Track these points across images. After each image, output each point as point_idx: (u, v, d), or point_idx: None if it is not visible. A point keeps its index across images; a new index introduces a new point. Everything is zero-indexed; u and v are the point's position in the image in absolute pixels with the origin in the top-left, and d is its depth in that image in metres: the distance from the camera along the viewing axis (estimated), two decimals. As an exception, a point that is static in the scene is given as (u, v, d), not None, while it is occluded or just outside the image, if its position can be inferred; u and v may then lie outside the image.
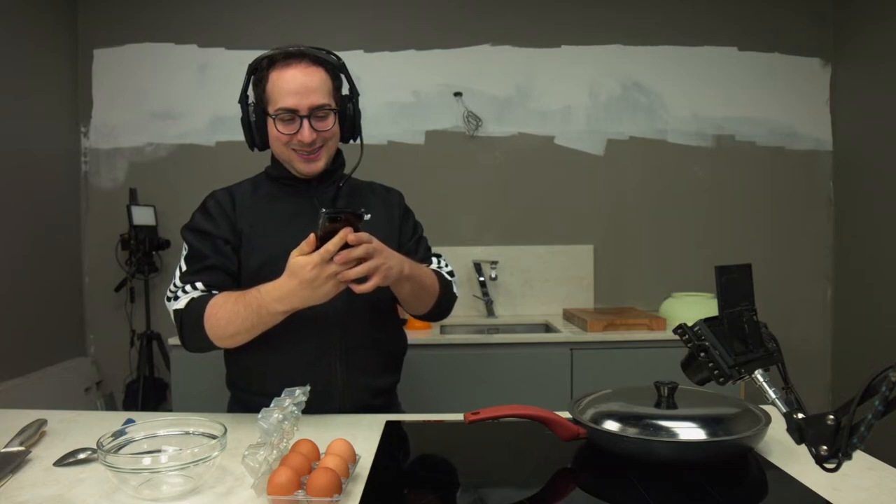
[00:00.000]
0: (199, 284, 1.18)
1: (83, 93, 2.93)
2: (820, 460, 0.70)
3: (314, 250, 1.00)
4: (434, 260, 1.41)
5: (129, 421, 0.98)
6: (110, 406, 2.92)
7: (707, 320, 0.87)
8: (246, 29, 2.89)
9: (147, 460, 0.83)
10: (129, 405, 2.75)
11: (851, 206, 2.86)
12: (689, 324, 0.88)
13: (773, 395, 0.79)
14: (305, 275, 1.00)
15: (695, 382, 0.92)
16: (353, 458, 0.86)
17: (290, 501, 0.74)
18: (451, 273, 1.42)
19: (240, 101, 1.31)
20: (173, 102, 2.92)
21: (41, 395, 2.46)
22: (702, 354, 0.86)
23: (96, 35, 2.92)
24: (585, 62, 2.92)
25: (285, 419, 0.84)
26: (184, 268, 1.22)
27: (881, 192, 2.64)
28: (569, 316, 2.70)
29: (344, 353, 1.22)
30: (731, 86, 2.94)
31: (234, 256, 1.23)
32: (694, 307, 2.49)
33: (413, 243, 1.39)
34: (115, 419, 1.07)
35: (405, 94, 2.91)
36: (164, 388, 2.76)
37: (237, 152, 2.94)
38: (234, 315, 1.09)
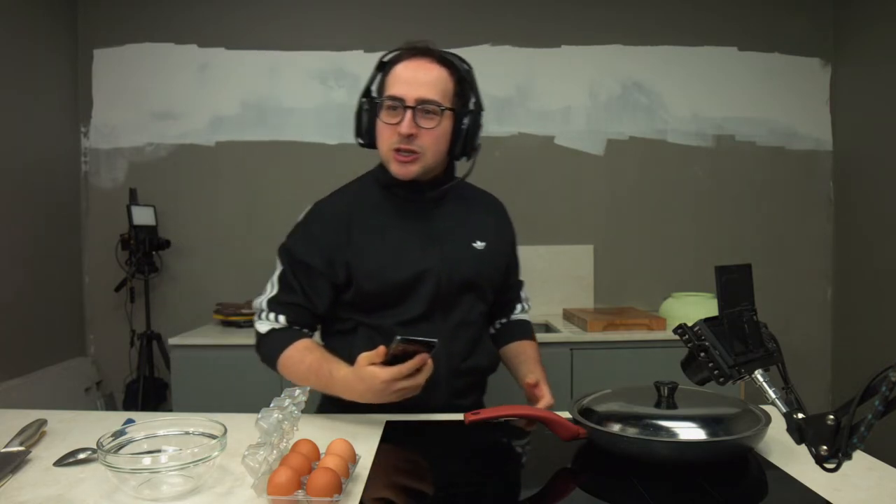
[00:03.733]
0: (282, 318, 1.21)
1: (83, 93, 2.93)
2: (820, 460, 0.70)
3: (384, 362, 1.02)
4: (518, 307, 1.46)
5: (129, 421, 0.98)
6: (110, 406, 2.92)
7: (707, 320, 0.87)
8: (246, 29, 2.89)
9: (147, 460, 0.83)
10: (129, 405, 2.75)
11: (851, 206, 2.86)
12: (689, 324, 0.88)
13: (773, 395, 0.79)
14: (375, 385, 1.02)
15: (695, 382, 0.92)
16: (353, 458, 0.86)
17: (290, 501, 0.74)
18: (529, 307, 1.50)
19: (361, 95, 1.24)
20: (173, 102, 2.92)
21: (41, 395, 2.46)
22: (702, 354, 0.86)
23: (96, 35, 2.92)
24: (585, 62, 2.92)
25: (285, 419, 0.84)
26: (274, 289, 1.24)
27: (881, 192, 2.64)
28: (569, 316, 2.70)
29: (442, 382, 1.20)
30: (731, 86, 2.94)
31: (327, 292, 1.22)
32: (694, 307, 2.49)
33: (513, 280, 1.43)
34: (115, 419, 1.07)
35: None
36: (164, 388, 2.76)
37: (237, 152, 2.95)
38: (304, 379, 1.14)
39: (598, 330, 2.39)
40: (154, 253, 2.77)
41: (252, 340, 2.33)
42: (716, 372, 0.85)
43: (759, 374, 0.83)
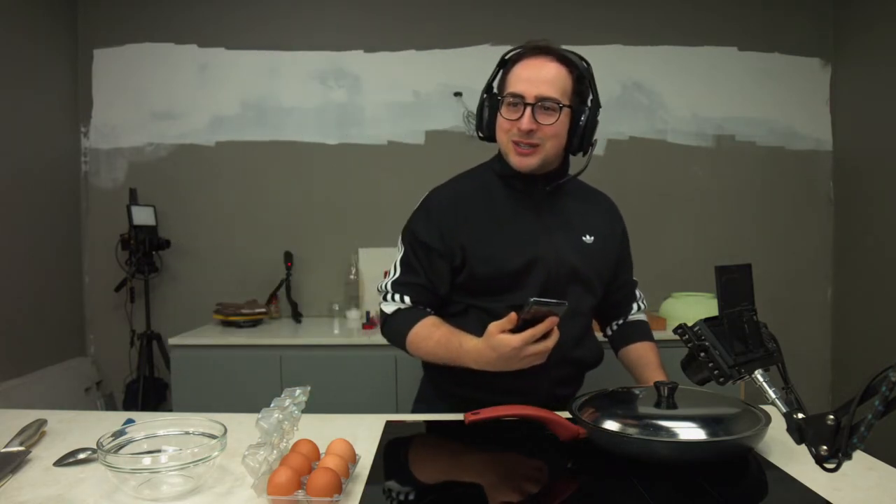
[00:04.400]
0: (406, 299, 1.27)
1: (83, 93, 2.93)
2: (820, 460, 0.70)
3: (515, 328, 1.06)
4: (635, 306, 1.48)
5: (129, 421, 0.98)
6: (110, 406, 2.92)
7: (707, 320, 0.87)
8: (246, 29, 2.90)
9: (147, 460, 0.83)
10: (129, 405, 2.75)
11: (851, 206, 2.85)
12: (689, 324, 0.89)
13: (773, 395, 0.79)
14: (505, 352, 1.06)
15: (695, 382, 0.93)
16: (353, 458, 0.86)
17: (290, 501, 0.74)
18: (645, 305, 1.52)
19: (483, 91, 1.30)
20: (173, 102, 2.92)
21: (41, 395, 2.46)
22: (702, 354, 0.86)
23: (96, 35, 2.92)
24: (585, 62, 2.92)
25: (285, 419, 0.84)
26: (398, 271, 1.29)
27: (881, 192, 2.64)
28: (569, 316, 2.69)
29: (551, 368, 1.20)
30: (731, 86, 2.94)
31: (446, 273, 1.26)
32: (694, 307, 2.49)
33: (622, 281, 1.44)
34: (115, 419, 1.07)
35: (405, 94, 2.91)
36: (164, 388, 2.76)
37: (237, 152, 2.95)
38: (433, 353, 1.22)
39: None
40: (154, 253, 2.77)
41: (252, 341, 2.32)
42: (716, 372, 0.85)
43: (759, 374, 0.83)
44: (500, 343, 1.06)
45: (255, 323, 2.61)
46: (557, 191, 1.30)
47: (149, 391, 2.66)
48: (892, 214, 2.57)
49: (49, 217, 2.72)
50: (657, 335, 2.35)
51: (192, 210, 2.92)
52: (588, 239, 1.30)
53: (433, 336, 1.21)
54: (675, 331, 0.90)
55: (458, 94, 2.88)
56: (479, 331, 1.14)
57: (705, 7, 2.93)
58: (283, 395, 0.91)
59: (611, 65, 2.92)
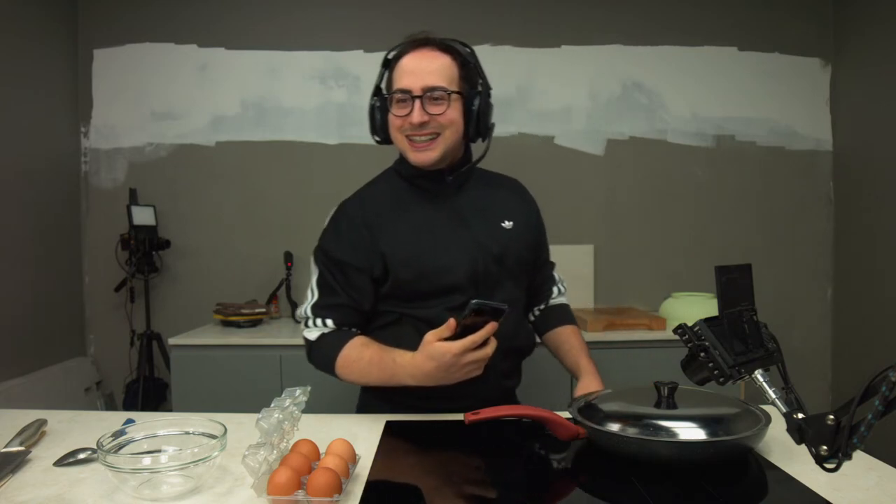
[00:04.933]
0: (329, 322, 1.22)
1: (83, 93, 2.93)
2: (820, 460, 0.70)
3: (454, 336, 1.02)
4: (555, 290, 1.48)
5: (129, 421, 0.98)
6: (110, 406, 2.92)
7: (707, 320, 0.87)
8: (246, 29, 2.89)
9: (147, 460, 0.83)
10: (129, 405, 2.75)
11: (851, 206, 2.85)
12: (689, 324, 0.88)
13: (773, 395, 0.79)
14: (445, 361, 1.03)
15: (695, 382, 0.92)
16: (353, 458, 0.86)
17: (290, 501, 0.74)
18: (565, 288, 1.51)
19: (372, 93, 1.26)
20: (173, 102, 2.92)
21: (41, 395, 2.46)
22: (702, 354, 0.86)
23: (96, 35, 2.92)
24: (585, 62, 2.92)
25: (285, 419, 0.84)
26: (315, 294, 1.24)
27: (881, 192, 2.64)
28: (569, 316, 2.69)
29: (497, 363, 1.18)
30: (731, 86, 2.94)
31: (367, 288, 1.22)
32: (694, 307, 2.49)
33: (544, 258, 1.44)
34: (115, 419, 1.07)
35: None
36: (164, 388, 2.76)
37: (237, 152, 2.95)
38: (366, 374, 1.17)
39: (598, 330, 2.39)
40: (154, 253, 2.77)
41: (252, 341, 2.32)
42: (716, 372, 0.85)
43: (759, 374, 0.83)
44: (438, 352, 1.02)
45: (255, 323, 2.61)
46: (466, 182, 1.28)
47: (149, 391, 2.66)
48: (892, 214, 2.57)
49: (49, 217, 2.72)
50: (657, 335, 2.37)
51: (192, 210, 2.92)
52: (507, 224, 1.29)
53: (364, 356, 1.16)
54: (675, 331, 0.90)
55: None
56: (415, 340, 1.11)
57: (705, 7, 2.93)
58: (283, 395, 0.91)
59: (611, 65, 2.93)
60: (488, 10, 2.90)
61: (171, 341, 2.37)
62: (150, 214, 2.78)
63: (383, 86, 1.25)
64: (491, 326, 1.02)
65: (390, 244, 1.21)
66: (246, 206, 2.93)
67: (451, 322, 1.02)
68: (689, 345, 0.89)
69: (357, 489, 0.82)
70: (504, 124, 2.93)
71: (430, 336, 1.05)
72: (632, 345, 2.35)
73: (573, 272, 2.94)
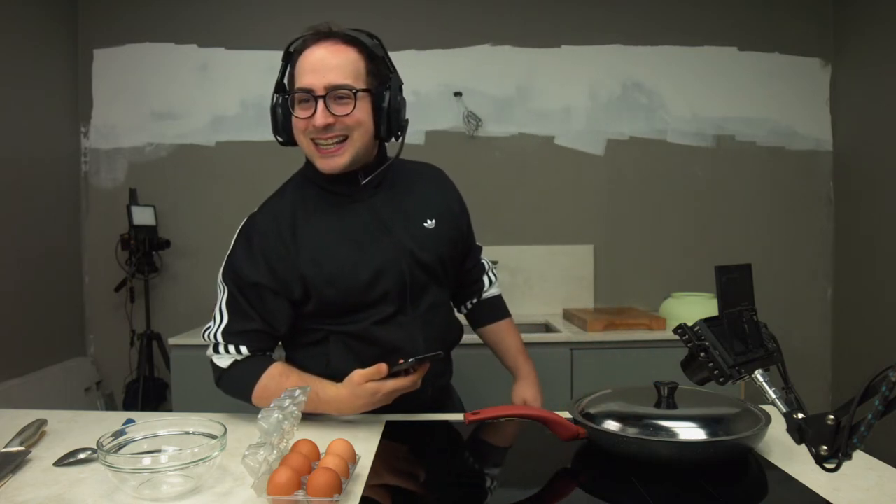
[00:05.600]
0: (243, 349, 1.13)
1: (83, 93, 2.93)
2: (820, 460, 0.70)
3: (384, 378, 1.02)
4: (486, 280, 1.41)
5: (129, 421, 0.98)
6: (110, 406, 2.92)
7: (707, 320, 0.87)
8: (246, 29, 2.89)
9: (147, 460, 0.83)
10: (129, 405, 2.75)
11: (851, 206, 2.85)
12: (689, 324, 0.88)
13: (773, 395, 0.79)
14: (376, 399, 1.03)
15: (695, 382, 0.92)
16: (353, 458, 0.86)
17: (290, 501, 0.74)
18: (495, 276, 1.45)
19: (274, 90, 1.17)
20: (173, 102, 2.92)
21: (41, 395, 2.46)
22: (702, 354, 0.86)
23: (96, 35, 2.92)
24: (585, 62, 2.92)
25: (285, 419, 0.84)
26: (225, 318, 1.13)
27: (881, 192, 2.64)
28: (569, 316, 2.70)
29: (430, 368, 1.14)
30: (731, 86, 2.93)
31: (284, 311, 1.13)
32: (694, 307, 2.49)
33: (471, 254, 1.38)
34: (115, 419, 1.07)
35: (405, 94, 2.90)
36: (164, 388, 2.76)
37: (237, 152, 2.95)
38: None
39: (598, 330, 2.39)
40: (154, 253, 2.77)
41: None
42: (716, 372, 0.85)
43: (759, 374, 0.83)
44: (368, 391, 1.02)
45: (255, 323, 2.61)
46: (382, 182, 1.18)
47: (149, 391, 2.66)
48: (892, 214, 2.57)
49: (49, 217, 2.72)
50: (657, 335, 2.37)
51: (192, 210, 2.92)
52: (430, 224, 1.20)
53: (283, 387, 1.05)
54: (675, 331, 0.90)
55: (458, 94, 2.88)
56: (345, 356, 1.09)
57: (705, 7, 2.93)
58: (283, 396, 0.91)
59: (611, 65, 2.93)
60: (488, 10, 2.90)
61: (171, 341, 2.37)
62: (150, 214, 2.78)
63: (286, 81, 1.17)
64: (424, 369, 1.03)
65: (310, 264, 1.11)
66: (246, 206, 2.88)
67: (383, 367, 1.00)
68: (689, 345, 0.89)
69: (357, 489, 0.82)
70: (504, 124, 2.94)
71: (358, 377, 1.02)
72: (632, 345, 2.35)
73: (573, 272, 2.94)
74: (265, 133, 2.90)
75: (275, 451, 0.79)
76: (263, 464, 0.76)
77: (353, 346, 1.11)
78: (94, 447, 0.84)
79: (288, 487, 0.74)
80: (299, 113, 1.09)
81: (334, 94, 1.07)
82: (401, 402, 1.09)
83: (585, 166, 2.93)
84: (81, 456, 0.91)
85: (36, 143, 2.65)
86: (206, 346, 1.17)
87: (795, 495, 0.79)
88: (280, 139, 1.18)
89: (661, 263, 2.95)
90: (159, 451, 0.87)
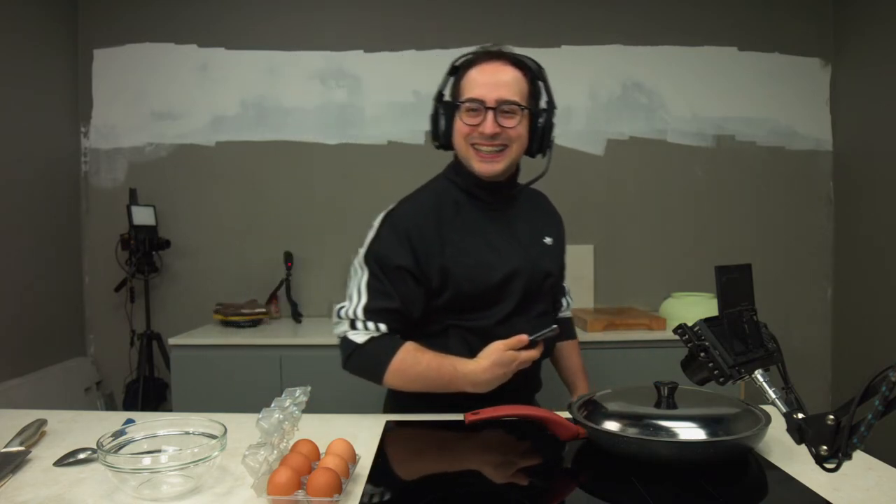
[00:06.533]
0: (382, 326, 1.18)
1: (83, 93, 2.93)
2: (820, 460, 0.70)
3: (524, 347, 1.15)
4: (564, 302, 1.52)
5: (129, 421, 0.98)
6: (110, 406, 2.92)
7: (707, 320, 0.87)
8: (246, 29, 2.89)
9: (147, 460, 0.83)
10: (129, 405, 2.75)
11: (851, 206, 2.85)
12: (689, 324, 0.88)
13: (773, 395, 0.79)
14: (509, 368, 1.14)
15: (695, 382, 0.92)
16: (353, 458, 0.86)
17: (290, 501, 0.74)
18: (571, 300, 1.58)
19: (435, 98, 1.28)
20: (173, 102, 2.92)
21: (41, 395, 2.46)
22: (702, 354, 0.86)
23: (96, 35, 2.92)
24: (585, 62, 2.92)
25: (285, 419, 0.84)
26: (363, 297, 1.19)
27: (881, 192, 2.64)
28: (569, 316, 2.69)
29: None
30: (731, 86, 2.93)
31: (421, 298, 1.21)
32: (694, 307, 2.49)
33: (563, 265, 1.47)
34: (115, 419, 1.07)
35: (405, 94, 2.91)
36: (164, 388, 2.76)
37: (237, 152, 2.95)
38: (423, 379, 1.17)
39: (598, 330, 2.39)
40: (154, 253, 2.77)
41: (252, 341, 2.30)
42: (716, 372, 0.85)
43: (759, 374, 0.83)
44: (507, 359, 1.13)
45: (255, 323, 2.61)
46: (516, 196, 1.31)
47: (149, 391, 2.66)
48: (892, 214, 2.57)
49: (49, 217, 2.72)
50: (657, 335, 2.37)
51: (192, 210, 2.92)
52: (549, 241, 1.33)
53: (420, 362, 1.15)
54: (675, 331, 0.90)
55: (458, 94, 2.87)
56: (460, 351, 1.16)
57: (705, 7, 2.93)
58: (283, 395, 0.91)
59: (611, 65, 2.93)
60: (488, 10, 2.90)
61: (171, 341, 2.37)
62: (150, 214, 2.78)
63: (446, 92, 1.28)
64: (541, 347, 1.18)
65: (454, 257, 1.20)
66: (246, 206, 2.93)
67: (524, 338, 1.14)
68: (689, 345, 0.89)
69: (357, 489, 0.82)
70: (504, 124, 2.94)
71: (501, 345, 1.13)
72: (632, 345, 2.35)
73: (573, 272, 2.91)
74: (265, 133, 2.93)
75: (275, 451, 0.79)
76: (263, 464, 0.76)
77: (471, 340, 1.18)
78: (94, 447, 0.84)
79: (288, 487, 0.74)
80: (467, 120, 1.20)
81: (503, 107, 1.18)
82: (513, 381, 1.18)
83: (585, 166, 2.93)
84: (81, 456, 0.91)
85: (36, 143, 2.65)
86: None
87: (795, 495, 0.79)
88: (436, 143, 1.30)
89: (661, 263, 2.95)
90: (159, 451, 0.87)
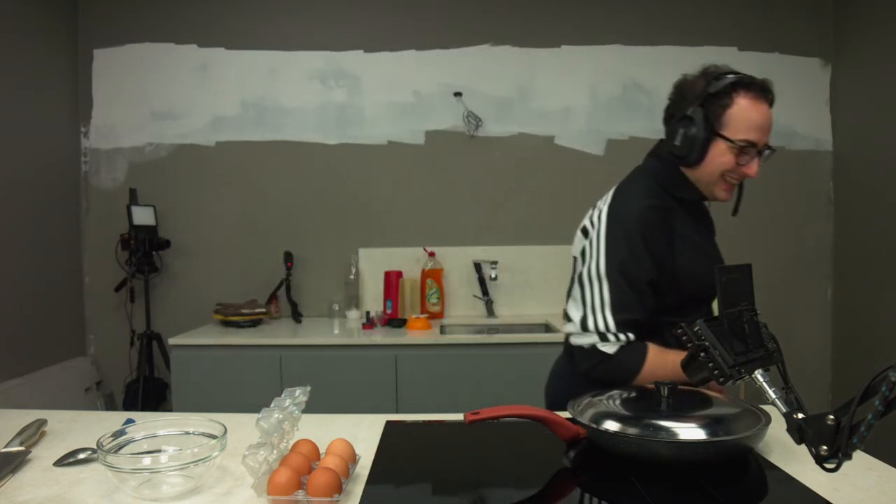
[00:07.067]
0: (630, 335, 1.20)
1: (83, 93, 2.93)
2: (820, 460, 0.70)
3: None
4: None
5: (129, 421, 0.98)
6: (110, 406, 2.92)
7: (707, 320, 0.87)
8: (246, 29, 2.90)
9: (147, 460, 0.83)
10: (129, 405, 2.75)
11: (851, 206, 2.85)
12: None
13: (773, 395, 0.79)
14: None
15: (695, 382, 0.92)
16: (353, 458, 0.86)
17: (290, 501, 0.74)
18: None
19: (690, 115, 1.29)
20: (173, 102, 2.92)
21: (41, 395, 2.46)
22: (702, 354, 0.86)
23: (96, 35, 2.92)
24: (585, 62, 2.92)
25: (285, 419, 0.84)
26: (611, 310, 1.20)
27: (881, 192, 2.64)
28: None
29: None
30: (731, 86, 2.93)
31: (653, 300, 1.23)
32: (694, 307, 2.49)
33: None
34: (115, 419, 1.07)
35: (405, 94, 2.91)
36: (164, 388, 2.76)
37: (237, 152, 2.95)
38: (664, 376, 1.11)
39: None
40: (154, 253, 2.77)
41: (252, 341, 2.30)
42: (716, 372, 0.85)
43: (759, 374, 0.83)
44: None
45: (255, 323, 2.62)
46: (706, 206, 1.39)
47: (149, 391, 2.66)
48: (893, 214, 2.57)
49: (49, 217, 2.72)
50: (657, 335, 2.37)
51: (192, 210, 2.92)
52: (717, 245, 1.41)
53: (667, 364, 1.16)
54: (675, 331, 0.90)
55: (458, 94, 2.88)
56: (674, 347, 1.16)
57: (705, 7, 2.93)
58: (283, 395, 0.91)
59: (611, 65, 2.93)
60: (488, 10, 2.90)
61: (171, 341, 2.37)
62: (150, 214, 2.78)
63: (697, 104, 1.29)
64: None
65: (684, 261, 1.23)
66: (246, 206, 2.93)
67: None
68: (689, 345, 0.89)
69: (357, 489, 0.82)
70: (504, 124, 2.94)
71: None
72: (632, 345, 2.35)
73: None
74: (265, 133, 2.93)
75: (275, 451, 0.79)
76: (263, 464, 0.76)
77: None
78: (94, 447, 0.84)
79: (288, 487, 0.74)
80: (738, 159, 1.23)
81: (764, 153, 1.25)
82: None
83: (585, 166, 2.93)
84: (81, 456, 0.91)
85: (36, 143, 2.65)
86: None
87: (795, 495, 0.79)
88: (683, 161, 1.29)
89: (661, 263, 2.94)
90: (159, 451, 0.87)
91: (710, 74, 1.31)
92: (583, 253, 1.31)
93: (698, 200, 1.32)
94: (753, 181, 1.33)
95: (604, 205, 1.31)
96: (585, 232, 1.35)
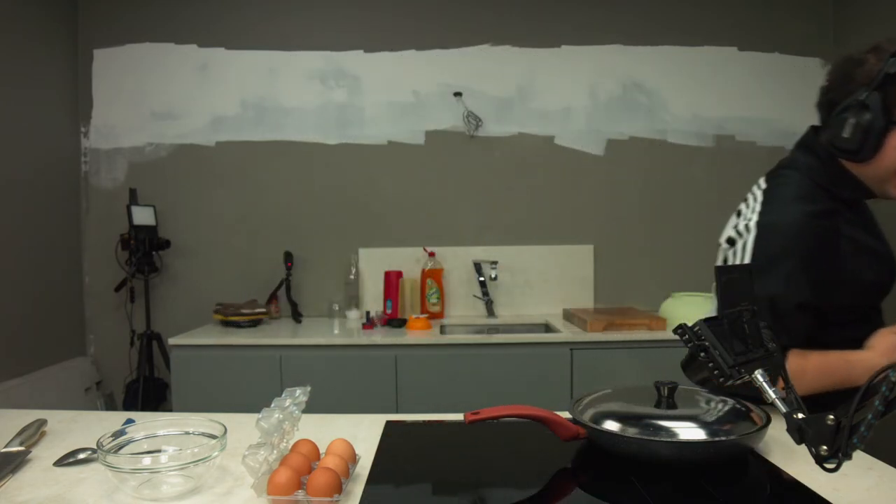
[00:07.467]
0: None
1: (83, 93, 2.93)
2: (820, 460, 0.70)
3: None
4: None
5: (129, 421, 0.98)
6: (110, 406, 2.92)
7: (707, 320, 0.87)
8: (246, 29, 2.90)
9: (147, 460, 0.83)
10: (129, 405, 2.75)
11: (851, 206, 2.85)
12: (689, 324, 0.88)
13: (773, 395, 0.79)
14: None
15: (695, 382, 0.92)
16: (353, 458, 0.86)
17: (290, 501, 0.74)
18: None
19: (841, 94, 1.15)
20: (173, 102, 2.92)
21: (41, 395, 2.46)
22: (702, 354, 0.86)
23: (96, 35, 2.92)
24: (585, 62, 2.92)
25: (285, 419, 0.84)
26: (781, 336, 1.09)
27: (881, 192, 2.63)
28: (569, 316, 2.70)
29: None
30: (731, 86, 2.93)
31: (806, 321, 1.11)
32: (694, 307, 2.49)
33: None
34: (115, 419, 1.07)
35: (405, 94, 2.91)
36: (164, 388, 2.76)
37: (237, 152, 2.95)
38: (816, 384, 1.05)
39: (598, 330, 2.39)
40: (154, 253, 2.77)
41: (252, 341, 2.31)
42: (716, 372, 0.85)
43: (759, 374, 0.83)
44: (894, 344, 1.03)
45: (255, 323, 2.62)
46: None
47: (149, 391, 2.66)
48: (893, 214, 2.57)
49: (49, 217, 2.72)
50: (657, 335, 2.37)
51: (192, 210, 2.92)
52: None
53: (806, 372, 1.04)
54: (675, 331, 0.90)
55: (458, 94, 2.88)
56: (839, 348, 1.08)
57: (705, 7, 2.93)
58: (283, 395, 0.91)
59: (611, 65, 2.93)
60: (488, 10, 2.90)
61: (171, 341, 2.37)
62: (150, 214, 2.78)
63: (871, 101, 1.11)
64: None
65: (855, 261, 1.13)
66: (246, 206, 2.93)
67: None
68: (689, 345, 0.89)
69: (357, 489, 0.82)
70: (504, 124, 2.94)
71: (887, 331, 1.05)
72: (632, 345, 2.35)
73: (573, 272, 2.94)
74: (265, 133, 2.93)
75: (275, 451, 0.79)
76: (263, 464, 0.76)
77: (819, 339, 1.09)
78: (94, 447, 0.84)
79: (288, 487, 0.74)
80: None
81: None
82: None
83: (585, 166, 2.94)
84: (81, 456, 0.91)
85: (36, 143, 2.65)
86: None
87: (795, 495, 0.79)
88: (856, 155, 1.13)
89: (661, 263, 2.95)
90: (159, 451, 0.87)
91: (885, 51, 1.09)
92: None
93: (862, 198, 1.17)
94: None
95: (752, 213, 1.18)
96: (731, 242, 1.21)
